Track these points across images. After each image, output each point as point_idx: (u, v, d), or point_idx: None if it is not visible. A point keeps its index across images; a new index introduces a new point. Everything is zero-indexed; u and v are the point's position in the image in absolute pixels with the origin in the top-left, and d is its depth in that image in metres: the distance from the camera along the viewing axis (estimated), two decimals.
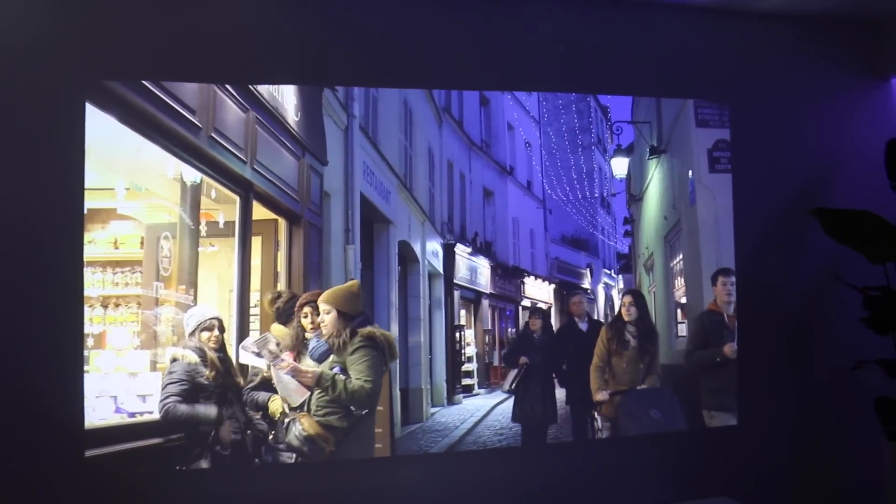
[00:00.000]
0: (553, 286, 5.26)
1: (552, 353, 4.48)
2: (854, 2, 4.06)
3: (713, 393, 4.13)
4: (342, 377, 3.42)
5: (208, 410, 3.35)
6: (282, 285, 4.06)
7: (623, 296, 4.55)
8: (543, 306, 5.20)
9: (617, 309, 4.41)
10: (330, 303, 3.51)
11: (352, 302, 3.54)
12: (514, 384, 4.45)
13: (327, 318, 3.50)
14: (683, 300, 4.46)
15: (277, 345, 3.50)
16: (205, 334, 3.41)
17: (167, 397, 3.28)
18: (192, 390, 3.32)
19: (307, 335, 3.57)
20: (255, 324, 3.92)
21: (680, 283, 4.49)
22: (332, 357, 3.48)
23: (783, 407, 4.13)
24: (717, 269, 4.13)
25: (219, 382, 3.36)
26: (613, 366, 4.22)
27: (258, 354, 3.46)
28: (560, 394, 4.39)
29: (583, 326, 4.50)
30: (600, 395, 4.18)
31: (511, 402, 4.35)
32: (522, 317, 5.28)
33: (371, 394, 3.46)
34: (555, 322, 4.89)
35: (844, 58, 4.31)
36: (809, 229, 3.97)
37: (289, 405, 3.45)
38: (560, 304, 5.11)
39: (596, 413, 4.22)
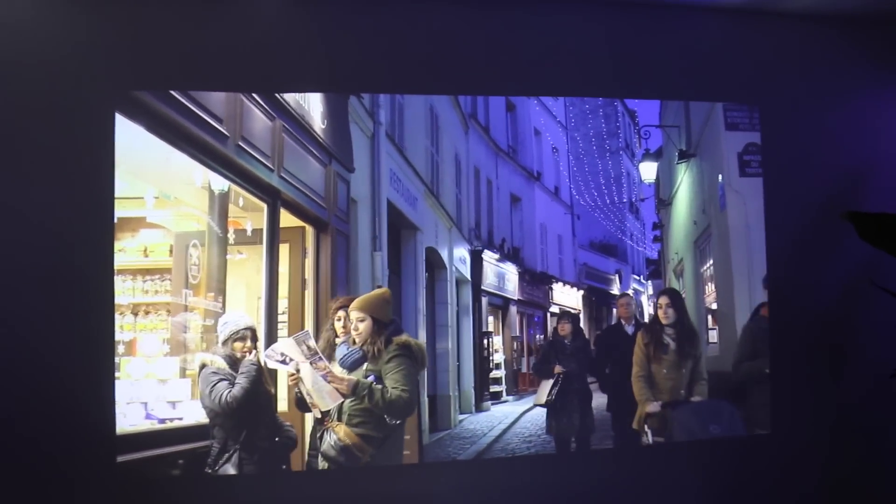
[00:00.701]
0: (581, 292, 5.24)
1: (588, 358, 4.36)
2: (885, 0, 3.98)
3: (763, 408, 3.98)
4: (379, 387, 3.33)
5: (250, 371, 3.34)
6: (309, 292, 4.08)
7: (658, 296, 4.34)
8: (573, 311, 5.15)
9: (653, 311, 4.33)
10: (364, 310, 3.43)
11: (385, 309, 3.47)
12: (551, 396, 4.29)
13: (361, 325, 3.41)
14: (714, 306, 4.41)
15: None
16: (238, 344, 3.40)
17: (219, 396, 3.26)
18: (231, 381, 3.32)
19: (337, 340, 3.54)
20: (283, 330, 3.94)
21: (710, 288, 4.44)
22: (365, 365, 3.41)
23: (819, 416, 4.05)
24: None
25: (250, 391, 3.35)
26: (653, 372, 4.04)
27: (282, 361, 3.40)
28: (597, 401, 4.28)
29: (629, 329, 4.37)
30: (650, 407, 3.99)
31: (534, 411, 4.30)
32: (551, 323, 5.25)
33: (409, 403, 3.39)
34: (585, 329, 4.85)
35: (877, 57, 4.22)
36: (843, 233, 3.89)
37: (319, 409, 3.39)
38: (589, 310, 5.08)
39: (646, 426, 4.02)
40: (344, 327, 3.52)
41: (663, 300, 4.15)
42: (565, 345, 4.39)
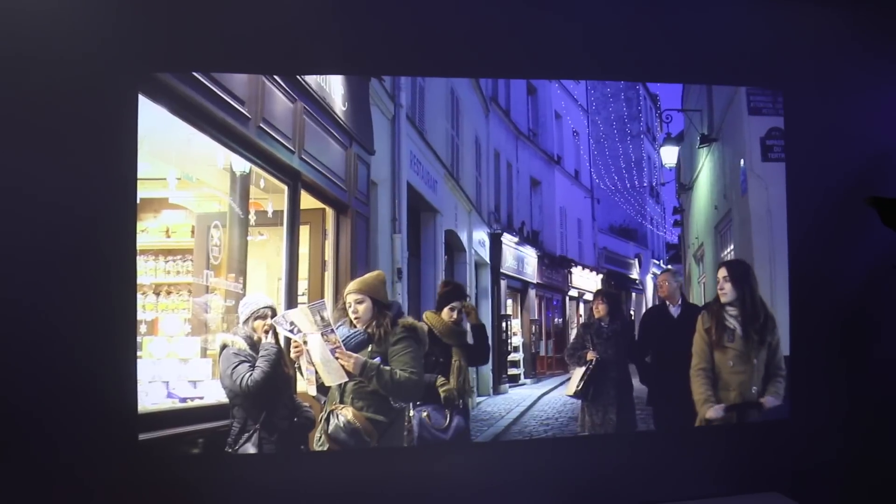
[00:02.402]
0: (601, 276, 5.20)
1: (628, 344, 3.99)
2: None
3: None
4: (387, 368, 3.38)
5: (270, 354, 3.38)
6: (329, 274, 4.10)
7: (718, 268, 3.80)
8: (612, 290, 4.93)
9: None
10: (364, 291, 3.47)
11: (382, 290, 3.51)
12: (580, 386, 3.99)
13: (360, 307, 3.45)
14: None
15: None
16: (257, 322, 3.44)
17: (240, 378, 3.32)
18: (251, 363, 3.36)
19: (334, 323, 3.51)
20: None
21: None
22: (370, 347, 3.44)
23: (837, 401, 4.04)
24: None
25: (270, 374, 3.38)
26: (717, 364, 3.53)
27: (290, 331, 3.38)
28: (639, 394, 3.98)
29: (674, 311, 4.00)
30: (711, 412, 3.52)
31: (553, 394, 4.25)
32: (570, 307, 5.22)
33: (418, 385, 3.45)
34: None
35: None
36: (867, 219, 3.86)
37: (319, 384, 3.40)
38: None
39: None
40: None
41: (721, 272, 3.63)
42: (602, 328, 4.06)
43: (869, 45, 4.13)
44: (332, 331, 3.36)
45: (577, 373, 4.03)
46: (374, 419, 3.39)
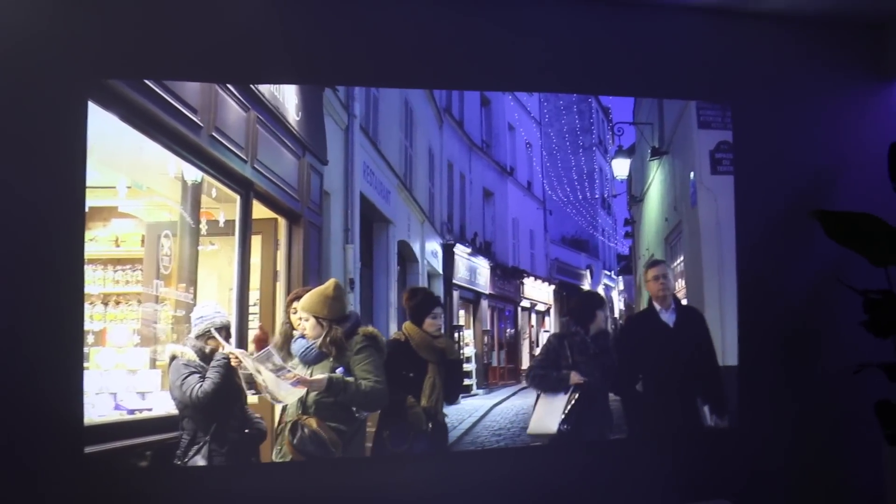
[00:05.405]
0: (553, 287, 5.25)
1: (618, 364, 3.22)
2: (858, 3, 4.05)
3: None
4: (351, 379, 3.34)
5: (220, 364, 3.32)
6: (281, 284, 4.07)
7: None
8: (543, 305, 5.06)
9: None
10: (305, 310, 3.41)
11: (327, 306, 3.40)
12: (566, 418, 3.26)
13: (306, 324, 3.40)
14: (685, 301, 4.45)
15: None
16: (212, 341, 3.39)
17: (190, 389, 3.25)
18: (202, 374, 3.31)
19: (294, 333, 3.47)
20: (254, 321, 3.93)
21: (681, 284, 4.48)
22: (331, 358, 3.40)
23: (783, 410, 4.12)
24: None
25: (220, 385, 3.33)
26: None
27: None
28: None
29: (668, 318, 3.41)
30: None
31: (504, 405, 4.24)
32: (522, 318, 5.25)
33: (383, 394, 3.41)
34: (553, 327, 4.80)
35: (848, 59, 4.29)
36: (811, 232, 3.96)
37: (276, 400, 3.37)
38: (560, 305, 5.08)
39: None
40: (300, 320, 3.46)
41: None
42: (586, 342, 3.26)
43: (815, 61, 4.25)
44: (288, 370, 3.30)
45: (554, 403, 3.32)
46: (339, 429, 3.37)
